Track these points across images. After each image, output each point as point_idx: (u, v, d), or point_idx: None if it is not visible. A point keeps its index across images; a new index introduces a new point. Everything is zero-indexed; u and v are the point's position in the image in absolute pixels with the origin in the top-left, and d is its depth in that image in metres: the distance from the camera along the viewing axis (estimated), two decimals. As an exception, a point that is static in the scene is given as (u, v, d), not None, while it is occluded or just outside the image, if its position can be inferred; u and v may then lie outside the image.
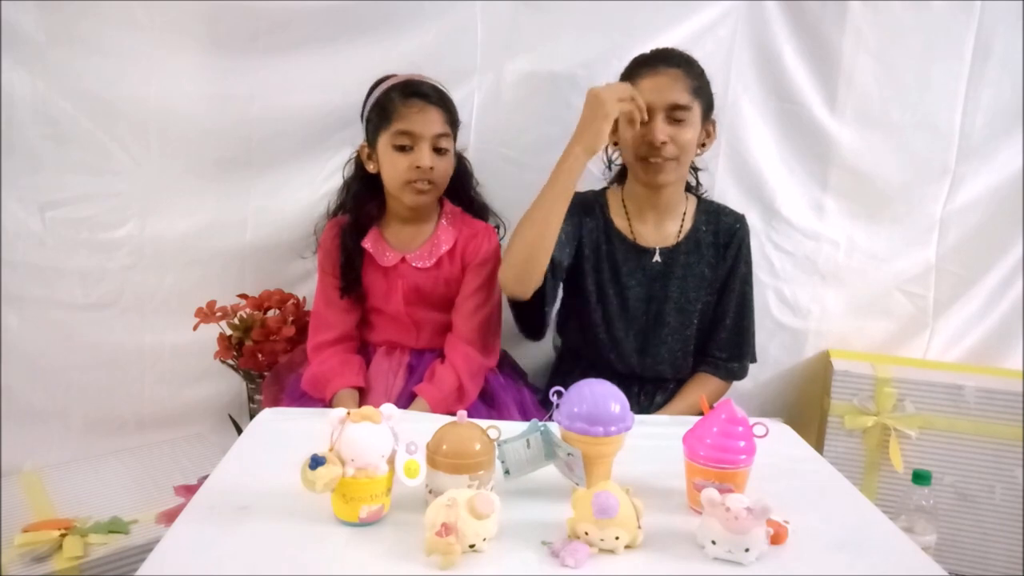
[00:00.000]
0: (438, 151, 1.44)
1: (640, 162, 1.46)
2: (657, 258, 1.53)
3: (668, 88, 1.42)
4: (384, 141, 1.44)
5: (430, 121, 1.42)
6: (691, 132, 1.44)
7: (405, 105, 1.42)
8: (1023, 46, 1.66)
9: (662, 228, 1.55)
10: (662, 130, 1.42)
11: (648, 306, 1.54)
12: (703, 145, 1.51)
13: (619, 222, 1.56)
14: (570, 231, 1.50)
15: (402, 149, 1.42)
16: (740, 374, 1.61)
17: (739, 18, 1.69)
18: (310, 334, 1.51)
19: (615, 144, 1.54)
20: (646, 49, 1.53)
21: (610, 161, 1.65)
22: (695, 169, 1.63)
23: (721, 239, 1.55)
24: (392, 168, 1.44)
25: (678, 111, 1.42)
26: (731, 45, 1.70)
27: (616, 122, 1.49)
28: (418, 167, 1.41)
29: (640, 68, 1.47)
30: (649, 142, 1.42)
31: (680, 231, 1.55)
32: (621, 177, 1.62)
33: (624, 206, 1.57)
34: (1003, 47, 1.66)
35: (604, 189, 1.62)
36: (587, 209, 1.55)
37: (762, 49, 1.70)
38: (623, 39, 1.62)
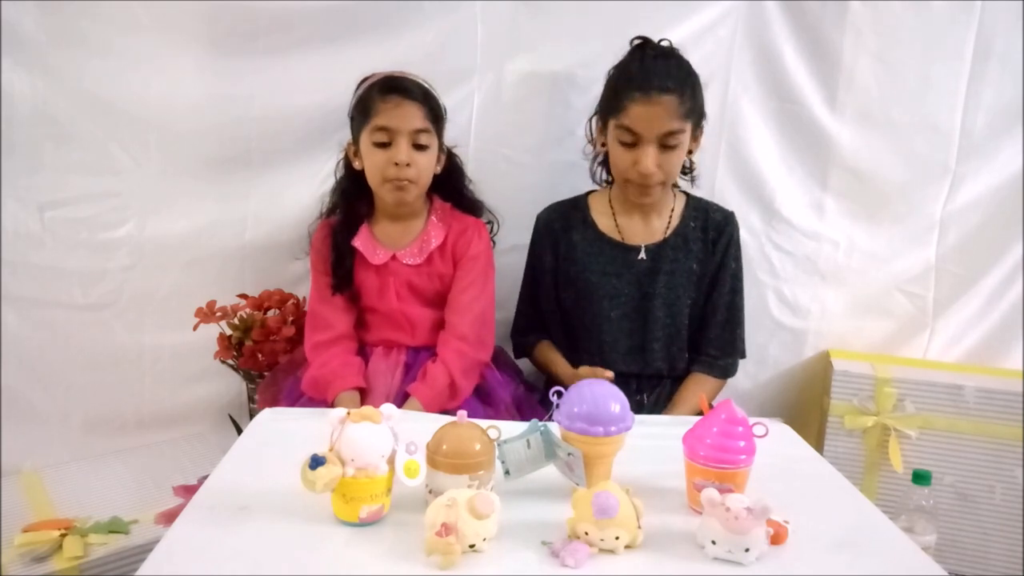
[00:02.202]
0: (418, 147, 1.43)
1: (627, 183, 1.48)
2: (643, 255, 1.53)
3: (660, 118, 1.39)
4: (365, 137, 1.44)
5: (408, 116, 1.41)
6: (680, 153, 1.45)
7: (384, 101, 1.41)
8: (1023, 46, 1.66)
9: (649, 224, 1.56)
10: (652, 160, 1.41)
11: (638, 304, 1.55)
12: (690, 152, 1.51)
13: (604, 223, 1.57)
14: (548, 267, 1.58)
15: (381, 145, 1.42)
16: (732, 371, 1.61)
17: (739, 18, 1.69)
18: (307, 334, 1.51)
19: (603, 144, 1.54)
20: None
21: (595, 158, 1.65)
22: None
23: (709, 235, 1.55)
24: (372, 164, 1.44)
25: (668, 137, 1.41)
26: (731, 45, 1.70)
27: (605, 135, 1.50)
28: (396, 163, 1.41)
29: (633, 89, 1.40)
30: (639, 172, 1.43)
31: (668, 227, 1.55)
32: (610, 178, 1.62)
33: (611, 206, 1.58)
34: (1003, 47, 1.66)
35: (587, 193, 1.62)
36: (564, 223, 1.58)
37: (762, 49, 1.70)
38: (623, 39, 1.61)
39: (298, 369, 1.52)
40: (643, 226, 1.56)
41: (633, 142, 1.43)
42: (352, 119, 1.49)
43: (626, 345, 1.56)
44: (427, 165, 1.46)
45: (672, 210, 1.57)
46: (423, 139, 1.43)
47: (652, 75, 1.42)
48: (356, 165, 1.50)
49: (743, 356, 1.64)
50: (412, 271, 1.51)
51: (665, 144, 1.42)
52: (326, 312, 1.50)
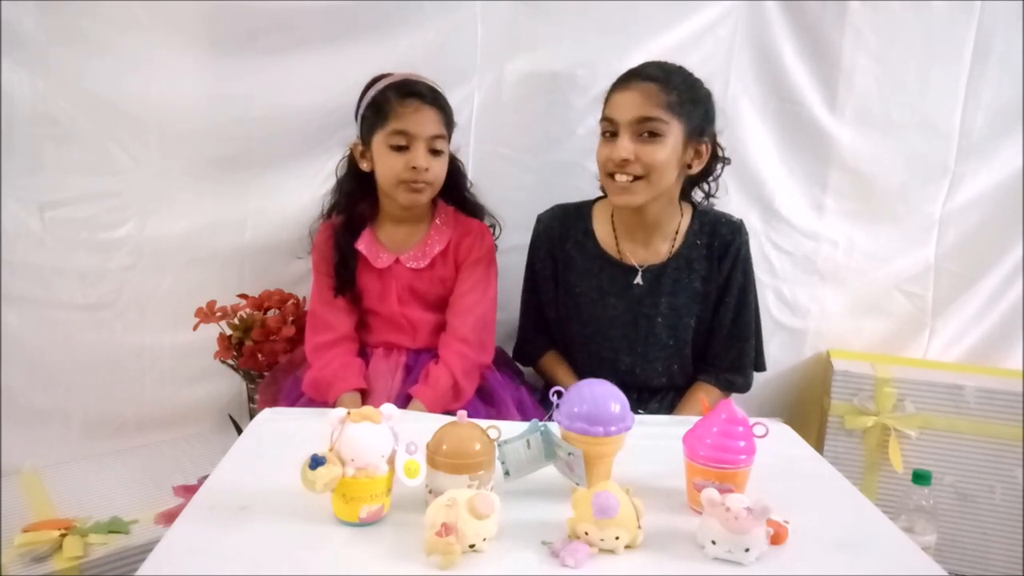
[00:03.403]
0: (433, 152, 1.44)
1: (608, 180, 1.41)
2: (639, 280, 1.50)
3: (635, 103, 1.35)
4: (379, 140, 1.43)
5: (426, 122, 1.42)
6: (664, 151, 1.35)
7: (402, 105, 1.41)
8: (1023, 46, 1.66)
9: (651, 246, 1.50)
10: (625, 147, 1.35)
11: (637, 324, 1.51)
12: (689, 166, 1.43)
13: (604, 239, 1.52)
14: (547, 273, 1.56)
15: (398, 149, 1.42)
16: (741, 387, 1.56)
17: (739, 18, 1.69)
18: (307, 335, 1.50)
19: None
20: (646, 49, 1.53)
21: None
22: (706, 191, 1.56)
23: (715, 252, 1.49)
24: (387, 167, 1.43)
25: (646, 124, 1.35)
26: (731, 45, 1.70)
27: None
28: (414, 167, 1.41)
29: (615, 85, 1.41)
30: (612, 158, 1.37)
31: (672, 248, 1.50)
32: None
33: (612, 222, 1.53)
34: (1003, 47, 1.66)
35: (592, 202, 1.57)
36: (564, 232, 1.54)
37: (762, 49, 1.70)
38: (623, 39, 1.62)
39: (298, 369, 1.53)
40: (644, 248, 1.50)
41: (612, 132, 1.39)
42: (364, 119, 1.47)
43: (626, 362, 1.53)
44: (441, 169, 1.47)
45: (677, 230, 1.50)
46: (439, 144, 1.44)
47: (635, 70, 1.41)
48: (363, 166, 1.49)
49: (761, 370, 1.59)
50: (414, 275, 1.51)
51: (641, 132, 1.35)
52: (327, 313, 1.50)
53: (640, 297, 1.51)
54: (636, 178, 1.38)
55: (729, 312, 1.52)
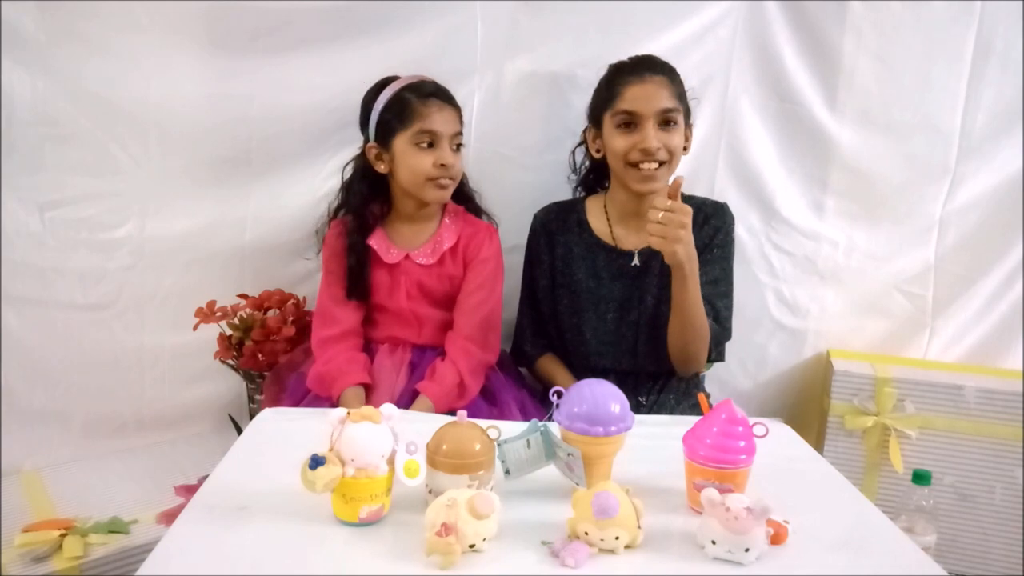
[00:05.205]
0: (455, 149, 1.48)
1: (631, 169, 1.46)
2: (636, 261, 1.53)
3: (656, 95, 1.43)
4: (403, 141, 1.45)
5: (449, 120, 1.46)
6: (679, 136, 1.46)
7: (424, 105, 1.44)
8: (1023, 46, 1.66)
9: (643, 231, 1.49)
10: (655, 136, 1.42)
11: (632, 307, 1.54)
12: (685, 149, 1.50)
13: (599, 228, 1.57)
14: (544, 266, 1.58)
15: (425, 147, 1.44)
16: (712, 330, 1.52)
17: (739, 18, 1.69)
18: (314, 328, 1.52)
19: (597, 151, 1.54)
20: (646, 49, 1.53)
21: (577, 166, 1.65)
22: None
23: (697, 227, 1.50)
24: (415, 166, 1.45)
25: (666, 114, 1.43)
26: (731, 45, 1.71)
27: (600, 131, 1.51)
28: (443, 164, 1.44)
29: (624, 76, 1.47)
30: (642, 149, 1.43)
31: None
32: (593, 188, 1.64)
33: (606, 211, 1.58)
34: (1004, 47, 1.66)
35: (583, 198, 1.63)
36: (560, 224, 1.58)
37: (762, 49, 1.71)
38: (623, 39, 1.62)
39: (298, 368, 1.53)
40: (637, 231, 1.54)
41: (632, 123, 1.44)
42: (381, 123, 1.47)
43: (618, 347, 1.55)
44: (462, 165, 1.51)
45: None
46: (459, 140, 1.49)
47: (641, 62, 1.49)
48: (380, 168, 1.50)
49: (727, 335, 1.55)
50: (423, 271, 1.52)
51: (663, 122, 1.44)
52: (334, 308, 1.51)
53: (634, 281, 1.54)
54: (660, 164, 1.45)
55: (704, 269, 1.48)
